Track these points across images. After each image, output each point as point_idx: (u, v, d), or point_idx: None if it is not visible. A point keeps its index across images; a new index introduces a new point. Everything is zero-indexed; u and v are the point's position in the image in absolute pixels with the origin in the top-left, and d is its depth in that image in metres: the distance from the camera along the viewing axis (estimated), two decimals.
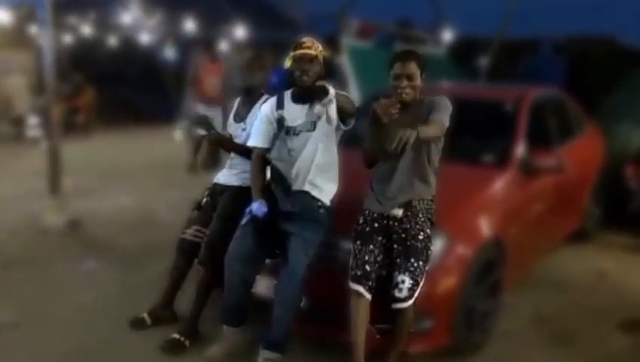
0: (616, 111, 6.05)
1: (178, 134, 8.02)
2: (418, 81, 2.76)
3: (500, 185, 3.68)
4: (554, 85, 5.64)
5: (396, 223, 2.80)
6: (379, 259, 2.80)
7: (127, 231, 5.24)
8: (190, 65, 8.32)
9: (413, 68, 2.74)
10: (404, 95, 2.73)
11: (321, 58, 2.95)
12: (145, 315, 3.35)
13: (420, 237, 2.77)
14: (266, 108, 3.11)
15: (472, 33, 11.03)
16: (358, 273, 2.75)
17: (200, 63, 7.73)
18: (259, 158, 3.08)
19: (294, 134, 2.98)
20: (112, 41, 14.88)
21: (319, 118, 2.90)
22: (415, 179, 2.80)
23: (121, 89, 14.77)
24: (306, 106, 2.97)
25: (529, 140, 3.96)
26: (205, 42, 8.23)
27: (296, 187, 2.97)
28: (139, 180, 7.38)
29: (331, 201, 3.01)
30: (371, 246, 2.80)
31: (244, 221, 3.01)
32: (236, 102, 3.41)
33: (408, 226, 2.78)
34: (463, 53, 10.66)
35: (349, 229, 2.90)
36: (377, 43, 8.97)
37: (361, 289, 2.73)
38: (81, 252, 4.65)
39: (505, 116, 4.12)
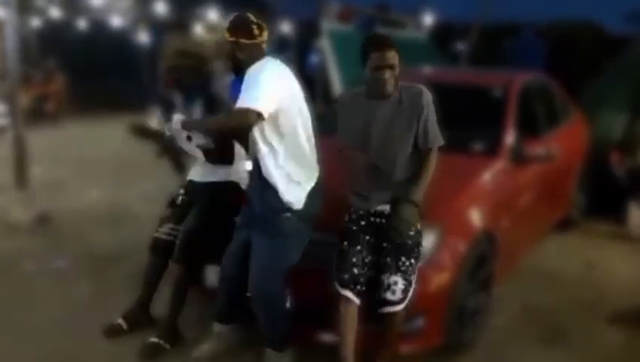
0: (599, 97, 5.99)
1: (153, 122, 7.79)
2: (397, 70, 2.57)
3: (490, 174, 3.56)
4: (536, 70, 5.54)
5: (383, 220, 2.65)
6: (367, 260, 2.65)
7: (99, 225, 5.02)
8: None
9: (393, 57, 2.54)
10: (387, 87, 2.56)
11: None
12: (120, 321, 3.16)
13: (410, 233, 2.62)
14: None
15: (452, 17, 10.92)
16: (346, 276, 2.60)
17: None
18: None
19: None
20: (82, 24, 14.41)
21: None
22: (400, 173, 2.64)
23: (92, 74, 14.32)
24: None
25: (518, 128, 3.85)
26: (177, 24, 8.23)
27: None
28: (111, 171, 7.11)
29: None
30: (359, 247, 2.65)
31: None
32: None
33: None
34: (443, 38, 10.53)
35: (334, 226, 2.74)
36: (357, 27, 8.79)
37: (349, 294, 2.59)
38: (51, 250, 4.43)
39: (494, 102, 4.00)
